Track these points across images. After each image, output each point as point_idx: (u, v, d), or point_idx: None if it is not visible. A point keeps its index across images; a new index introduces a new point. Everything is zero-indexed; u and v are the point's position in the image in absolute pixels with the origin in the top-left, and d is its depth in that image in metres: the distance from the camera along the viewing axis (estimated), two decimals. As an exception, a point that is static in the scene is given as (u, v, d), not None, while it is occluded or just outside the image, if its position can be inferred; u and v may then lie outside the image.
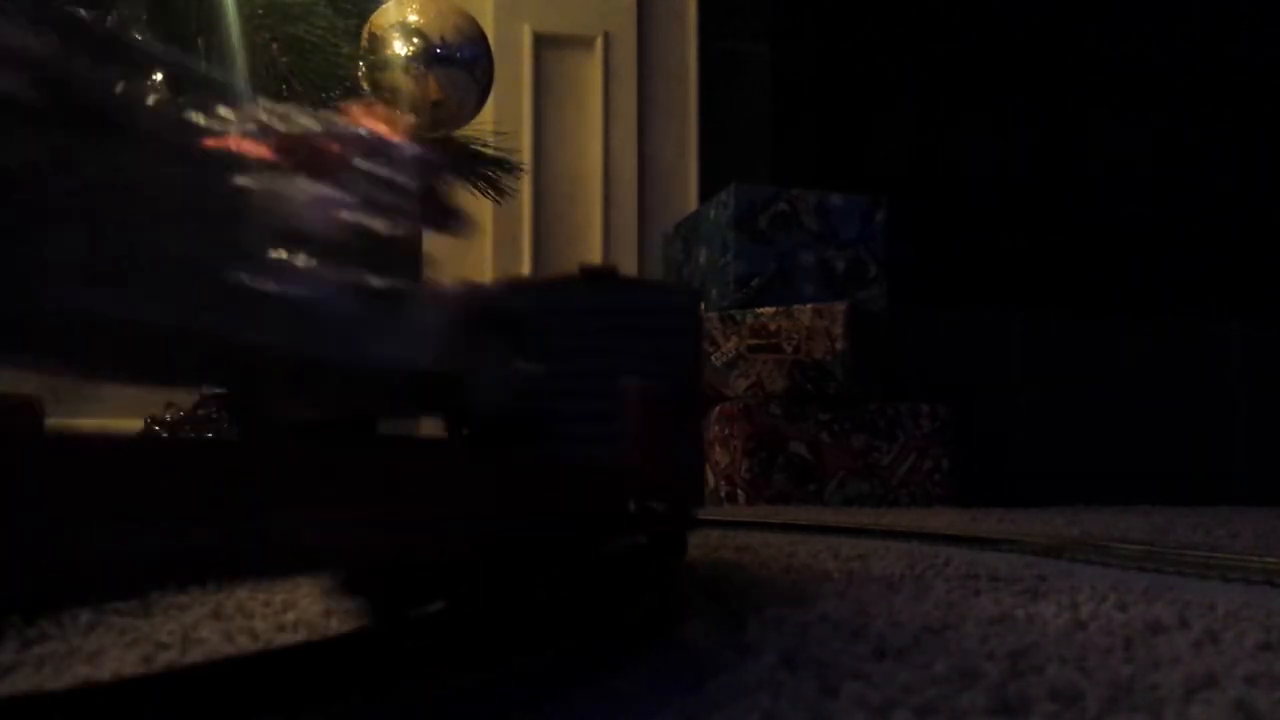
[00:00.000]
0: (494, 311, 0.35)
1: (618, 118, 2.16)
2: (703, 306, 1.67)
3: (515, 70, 2.07)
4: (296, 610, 0.51)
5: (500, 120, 1.05)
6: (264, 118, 0.26)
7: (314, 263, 0.26)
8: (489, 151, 1.02)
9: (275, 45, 0.84)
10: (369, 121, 0.29)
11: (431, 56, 0.85)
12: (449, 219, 0.33)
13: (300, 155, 0.27)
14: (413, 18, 0.85)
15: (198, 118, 0.24)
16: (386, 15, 0.86)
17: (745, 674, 0.36)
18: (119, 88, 0.22)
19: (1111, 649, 0.42)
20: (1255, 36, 2.47)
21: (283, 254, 0.26)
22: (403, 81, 0.85)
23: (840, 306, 1.71)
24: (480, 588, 0.34)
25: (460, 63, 0.86)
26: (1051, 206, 2.38)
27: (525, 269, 2.09)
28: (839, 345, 1.69)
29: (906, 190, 2.16)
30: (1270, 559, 0.71)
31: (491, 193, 1.03)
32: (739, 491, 1.64)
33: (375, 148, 0.29)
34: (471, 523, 0.29)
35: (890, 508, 1.60)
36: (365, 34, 0.86)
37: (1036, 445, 1.98)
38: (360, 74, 0.86)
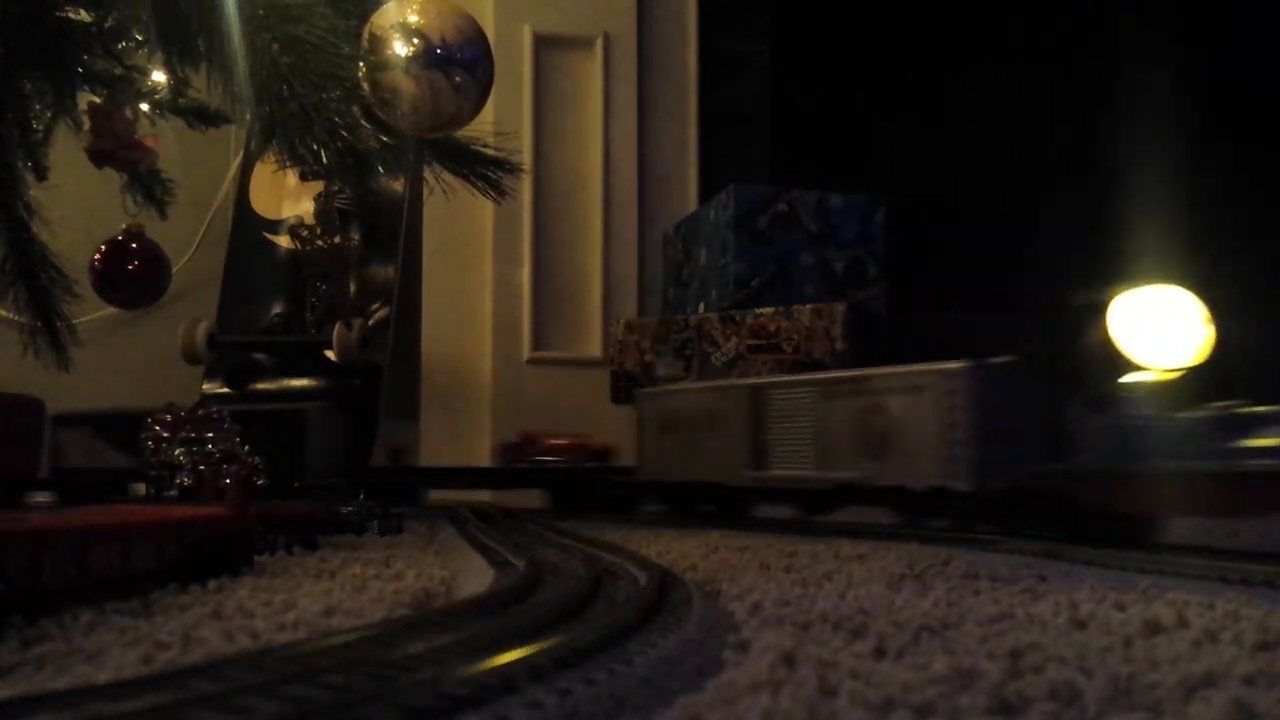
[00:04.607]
0: None
1: (618, 118, 2.16)
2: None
3: (515, 70, 2.07)
4: (296, 610, 0.51)
5: (500, 120, 1.04)
6: None
7: None
8: (489, 151, 1.01)
9: (276, 46, 0.84)
10: None
11: (432, 57, 0.85)
12: None
13: None
14: (413, 18, 0.85)
15: None
16: (387, 16, 0.86)
17: (745, 674, 0.36)
18: None
19: (1111, 649, 0.42)
20: (1255, 36, 2.47)
21: None
22: (403, 82, 0.85)
23: (840, 307, 1.71)
24: None
25: (461, 63, 0.86)
26: (1052, 207, 2.38)
27: (525, 269, 2.09)
28: (839, 345, 1.69)
29: (906, 191, 2.16)
30: (1270, 560, 0.71)
31: (491, 193, 1.03)
32: (739, 492, 1.63)
33: None
34: None
35: (890, 508, 1.60)
36: (365, 34, 0.86)
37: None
38: (360, 74, 0.86)
